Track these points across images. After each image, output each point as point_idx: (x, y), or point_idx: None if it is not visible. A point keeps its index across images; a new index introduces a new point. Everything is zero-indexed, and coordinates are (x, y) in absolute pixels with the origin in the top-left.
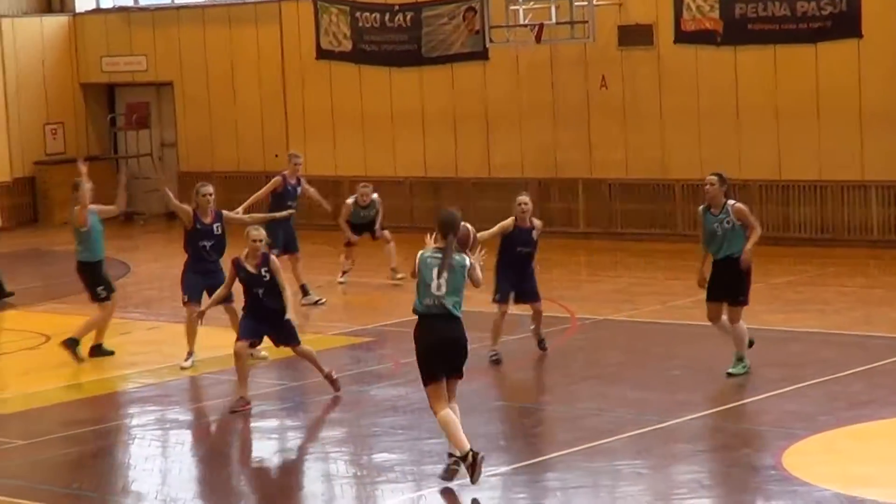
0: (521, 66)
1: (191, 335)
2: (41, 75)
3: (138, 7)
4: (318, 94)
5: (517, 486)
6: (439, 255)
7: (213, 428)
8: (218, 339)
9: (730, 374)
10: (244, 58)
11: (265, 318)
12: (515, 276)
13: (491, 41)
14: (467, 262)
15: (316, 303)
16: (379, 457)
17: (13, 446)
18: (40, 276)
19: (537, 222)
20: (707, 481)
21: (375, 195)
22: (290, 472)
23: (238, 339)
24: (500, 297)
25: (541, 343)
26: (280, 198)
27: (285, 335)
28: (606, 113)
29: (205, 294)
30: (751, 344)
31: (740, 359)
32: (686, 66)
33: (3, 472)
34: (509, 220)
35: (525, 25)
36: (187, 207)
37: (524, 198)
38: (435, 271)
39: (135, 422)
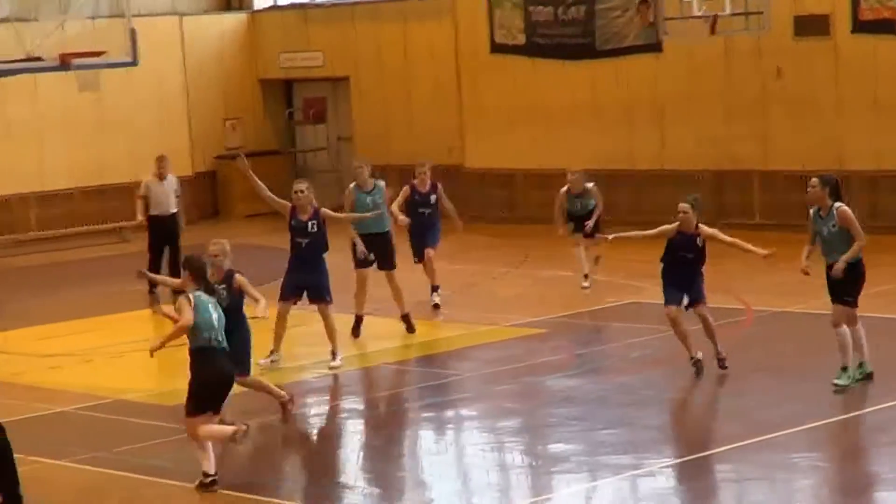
0: (695, 58)
1: (278, 333)
2: (221, 72)
3: (314, 4)
4: (492, 87)
5: (690, 477)
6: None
7: (388, 417)
8: (384, 328)
9: (835, 384)
10: (419, 52)
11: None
12: (682, 281)
13: (665, 33)
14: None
15: (435, 306)
16: (554, 447)
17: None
18: None
19: (707, 230)
20: (888, 475)
21: (591, 184)
22: (465, 462)
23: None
24: (666, 301)
25: (721, 362)
26: (412, 206)
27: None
28: (781, 104)
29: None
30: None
31: (845, 368)
32: (864, 56)
33: (186, 459)
34: (672, 225)
35: (699, 17)
36: (286, 202)
37: (684, 205)
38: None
39: (314, 411)
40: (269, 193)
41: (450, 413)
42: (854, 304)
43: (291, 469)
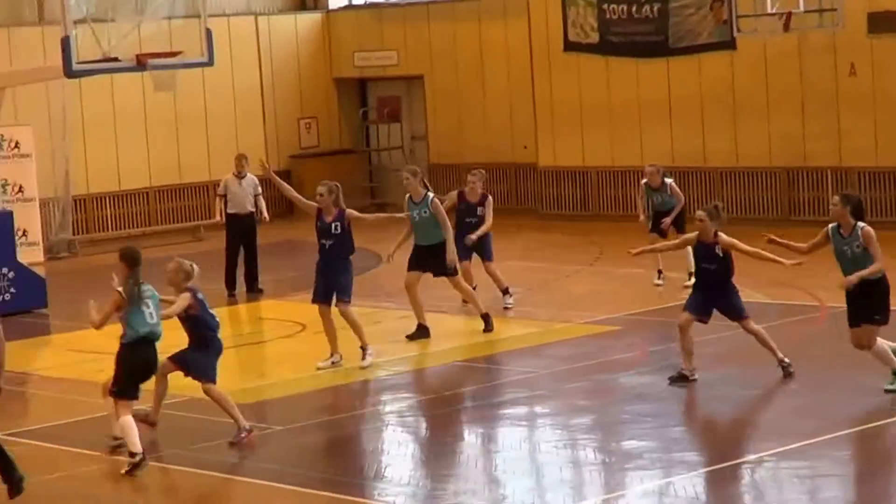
0: (768, 55)
1: (330, 335)
2: (296, 71)
3: (389, 3)
4: (565, 85)
5: (765, 474)
6: None
7: (460, 415)
8: (456, 326)
9: (887, 390)
10: (493, 51)
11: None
12: (707, 294)
13: (738, 30)
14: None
15: (506, 308)
16: (627, 444)
17: (272, 432)
18: (295, 267)
19: (725, 239)
20: None
21: (670, 179)
22: (538, 459)
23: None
24: (684, 307)
25: (785, 368)
26: (458, 214)
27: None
28: (855, 101)
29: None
30: None
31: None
32: None
33: (262, 457)
34: (693, 234)
35: (773, 14)
36: (312, 203)
37: (701, 213)
38: None
39: (388, 409)
40: (295, 194)
41: (522, 410)
42: (885, 321)
43: (364, 466)
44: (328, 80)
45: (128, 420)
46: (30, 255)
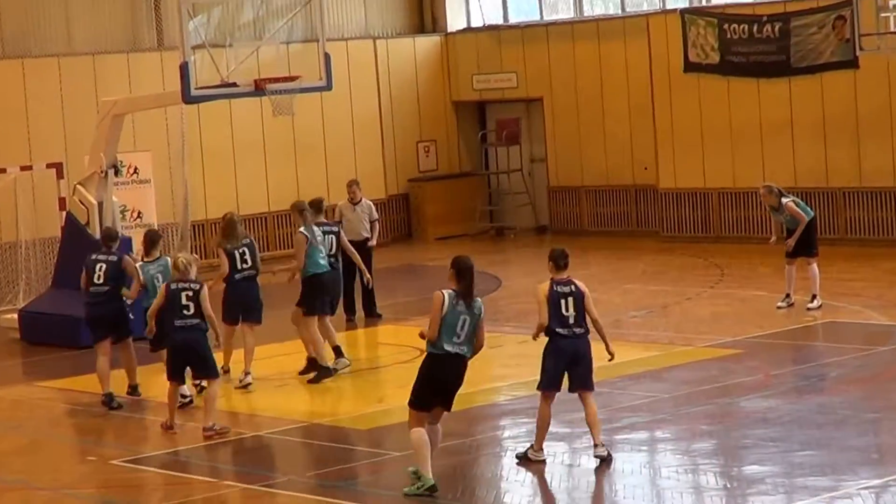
0: (892, 73)
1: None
2: (414, 94)
3: (508, 25)
4: (686, 106)
5: (890, 499)
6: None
7: (583, 440)
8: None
9: None
10: (612, 72)
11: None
12: None
13: (861, 49)
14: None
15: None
16: (749, 469)
17: (389, 458)
18: (414, 291)
19: None
20: None
21: (787, 199)
22: (659, 484)
23: None
24: None
25: None
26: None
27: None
28: None
29: None
30: None
31: None
32: None
33: (381, 483)
34: None
35: None
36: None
37: None
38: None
39: (506, 434)
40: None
41: (643, 435)
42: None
43: (483, 493)
44: (447, 102)
45: None
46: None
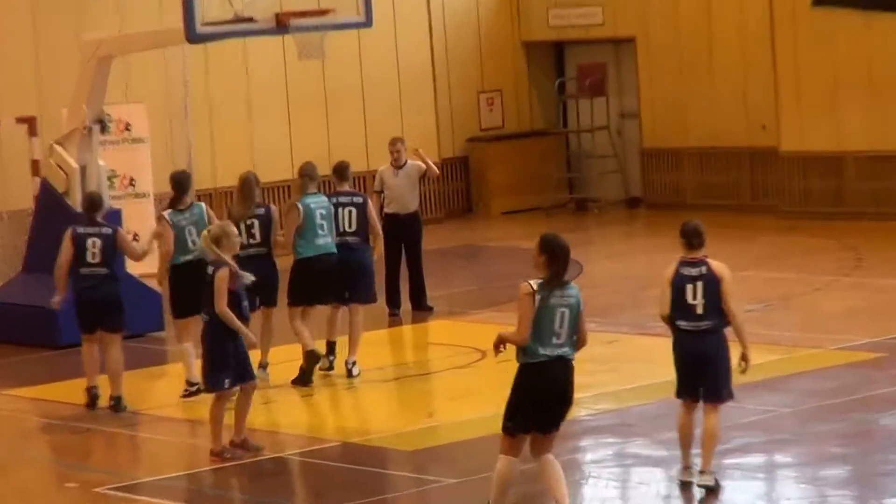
0: None
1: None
2: (475, 35)
3: None
4: (814, 50)
5: None
6: None
7: (680, 463)
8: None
9: None
10: (724, 7)
11: None
12: None
13: None
14: None
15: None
16: (890, 502)
17: (442, 485)
18: (473, 278)
19: None
20: None
21: None
22: None
23: None
24: None
25: None
26: None
27: None
28: None
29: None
30: None
31: None
32: None
33: None
34: None
35: None
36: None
37: None
38: None
39: (588, 457)
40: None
41: (759, 459)
42: None
43: None
44: (516, 44)
45: None
46: (142, 264)
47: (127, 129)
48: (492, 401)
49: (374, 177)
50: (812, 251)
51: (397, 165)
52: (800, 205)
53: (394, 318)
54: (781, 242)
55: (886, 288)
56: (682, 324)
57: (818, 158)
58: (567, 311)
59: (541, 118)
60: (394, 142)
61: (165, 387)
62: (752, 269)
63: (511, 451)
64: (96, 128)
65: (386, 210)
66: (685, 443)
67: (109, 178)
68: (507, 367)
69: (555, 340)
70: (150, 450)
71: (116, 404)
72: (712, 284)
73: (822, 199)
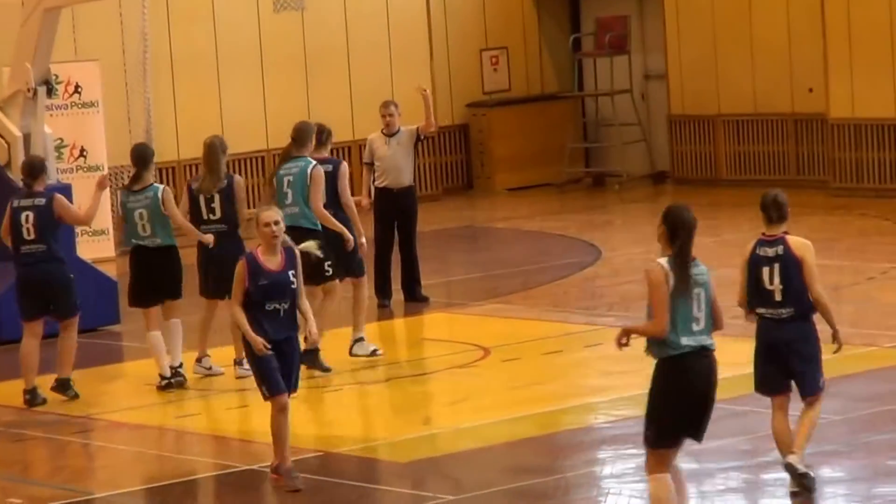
0: None
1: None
2: None
3: None
4: (868, 3)
5: None
6: None
7: (710, 481)
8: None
9: None
10: None
11: None
12: None
13: None
14: None
15: None
16: None
17: (439, 502)
18: (476, 264)
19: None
20: None
21: None
22: None
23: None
24: None
25: None
26: None
27: None
28: None
29: None
30: None
31: None
32: None
33: None
34: None
35: None
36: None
37: None
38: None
39: (607, 470)
40: None
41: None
42: None
43: None
44: None
45: None
46: (95, 248)
47: (77, 91)
48: (495, 406)
49: (361, 147)
50: (866, 234)
51: (389, 133)
52: (852, 180)
53: (384, 310)
54: (831, 224)
55: None
56: (761, 311)
57: (873, 126)
58: (703, 292)
59: (553, 80)
60: (386, 104)
61: (123, 388)
62: None
63: (659, 467)
64: (42, 90)
65: (376, 184)
66: (777, 441)
67: (57, 148)
68: (512, 368)
69: (695, 327)
70: (106, 460)
71: (61, 388)
72: (791, 267)
73: (877, 174)
